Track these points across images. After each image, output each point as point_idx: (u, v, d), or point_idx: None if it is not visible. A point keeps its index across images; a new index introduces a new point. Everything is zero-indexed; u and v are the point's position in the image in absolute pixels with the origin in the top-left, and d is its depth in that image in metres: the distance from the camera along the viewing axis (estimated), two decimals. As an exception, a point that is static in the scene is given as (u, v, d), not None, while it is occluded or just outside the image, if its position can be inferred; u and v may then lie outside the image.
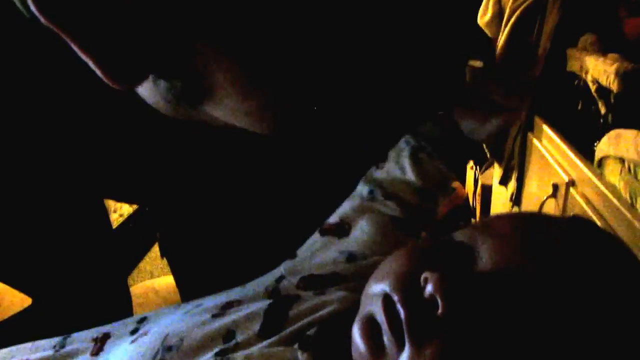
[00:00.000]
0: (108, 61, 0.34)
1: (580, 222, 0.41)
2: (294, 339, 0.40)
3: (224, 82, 0.37)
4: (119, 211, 1.54)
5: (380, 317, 0.34)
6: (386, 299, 0.35)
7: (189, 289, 0.83)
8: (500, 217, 0.41)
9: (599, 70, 0.91)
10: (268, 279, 0.52)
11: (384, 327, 0.34)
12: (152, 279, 1.62)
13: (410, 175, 0.55)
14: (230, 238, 0.73)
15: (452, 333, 0.32)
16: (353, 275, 0.49)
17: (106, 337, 0.48)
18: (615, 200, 0.75)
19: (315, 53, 0.37)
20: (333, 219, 0.56)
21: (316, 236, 0.55)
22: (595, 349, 0.33)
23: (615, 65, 0.86)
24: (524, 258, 0.35)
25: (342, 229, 0.54)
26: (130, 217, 1.50)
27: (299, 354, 0.38)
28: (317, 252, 0.53)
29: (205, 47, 0.35)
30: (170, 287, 1.03)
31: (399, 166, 0.56)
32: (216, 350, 0.40)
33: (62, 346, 0.48)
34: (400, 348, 0.33)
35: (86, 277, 0.61)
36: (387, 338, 0.34)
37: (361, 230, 0.53)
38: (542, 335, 0.32)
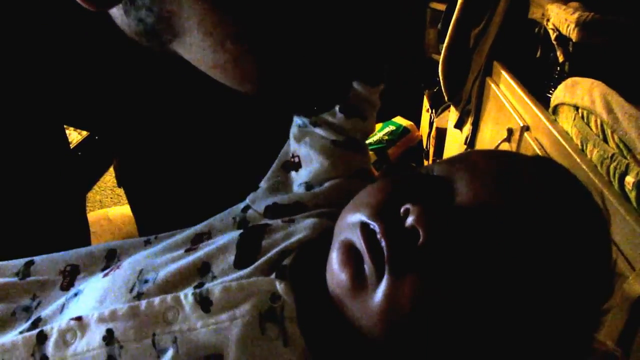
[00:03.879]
0: None
1: (549, 163, 0.42)
2: (270, 269, 0.40)
3: (195, 26, 0.35)
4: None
5: (360, 246, 0.35)
6: (365, 228, 0.35)
7: (147, 219, 0.82)
8: (476, 153, 0.41)
9: (560, 18, 0.92)
10: (233, 209, 0.52)
11: (365, 256, 0.34)
12: (103, 208, 1.59)
13: None
14: (190, 169, 0.72)
15: (431, 264, 0.33)
16: (315, 203, 0.50)
17: (75, 270, 0.47)
18: (567, 146, 0.78)
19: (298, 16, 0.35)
20: (289, 154, 0.56)
21: (278, 170, 0.55)
22: (560, 281, 0.35)
23: (576, 14, 0.87)
24: (500, 194, 0.36)
25: (296, 162, 0.55)
26: (79, 146, 1.44)
27: (277, 283, 0.38)
28: (280, 185, 0.54)
29: None
30: (124, 217, 1.01)
31: None
32: (194, 283, 0.40)
33: (26, 274, 0.47)
34: (379, 277, 0.34)
35: (44, 198, 0.59)
36: (367, 267, 0.34)
37: (309, 158, 0.54)
38: (518, 268, 0.34)
